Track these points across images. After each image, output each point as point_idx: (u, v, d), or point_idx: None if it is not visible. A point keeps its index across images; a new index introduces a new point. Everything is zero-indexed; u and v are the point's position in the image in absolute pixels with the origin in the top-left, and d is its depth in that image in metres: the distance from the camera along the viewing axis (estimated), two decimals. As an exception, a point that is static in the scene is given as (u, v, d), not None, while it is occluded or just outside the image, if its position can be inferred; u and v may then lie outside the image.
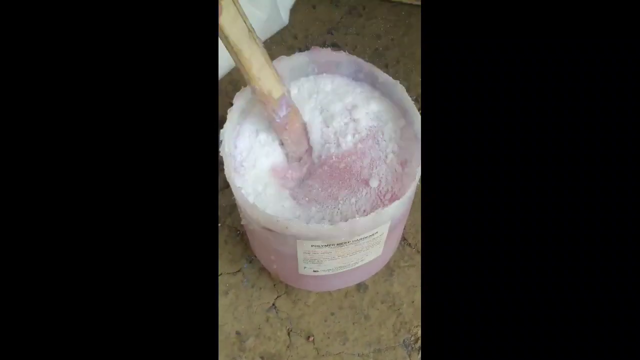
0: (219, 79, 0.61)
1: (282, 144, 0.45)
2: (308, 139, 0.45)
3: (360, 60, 0.44)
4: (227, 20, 0.34)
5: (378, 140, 0.44)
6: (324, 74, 0.47)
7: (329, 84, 0.46)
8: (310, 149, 0.45)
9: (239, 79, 0.46)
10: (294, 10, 0.68)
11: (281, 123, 0.42)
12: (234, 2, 0.34)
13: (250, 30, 0.36)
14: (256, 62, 0.38)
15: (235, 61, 0.38)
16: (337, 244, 0.39)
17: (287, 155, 0.45)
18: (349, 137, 0.44)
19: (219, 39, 0.35)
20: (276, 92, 0.40)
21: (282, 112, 0.41)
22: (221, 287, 0.51)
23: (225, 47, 0.36)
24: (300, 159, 0.45)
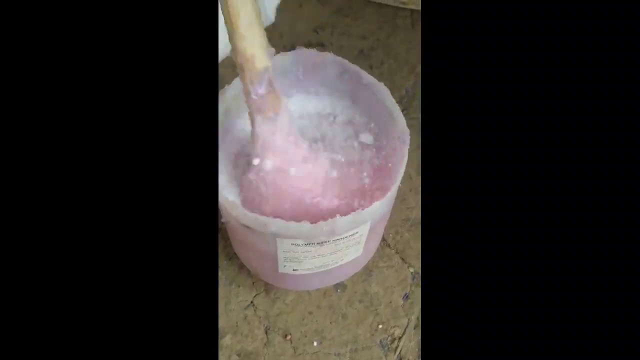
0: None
1: (252, 133, 0.37)
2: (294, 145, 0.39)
3: (345, 61, 0.44)
4: None
5: (360, 142, 0.44)
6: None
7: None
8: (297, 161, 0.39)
9: (224, 75, 0.46)
10: (280, 9, 0.68)
11: (257, 103, 0.35)
12: None
13: None
14: (245, 15, 0.32)
15: (221, 6, 0.32)
16: (317, 243, 0.39)
17: (255, 153, 0.38)
18: (331, 138, 0.44)
19: None
20: (260, 62, 0.34)
21: (261, 89, 0.35)
22: (199, 284, 0.51)
23: None
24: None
